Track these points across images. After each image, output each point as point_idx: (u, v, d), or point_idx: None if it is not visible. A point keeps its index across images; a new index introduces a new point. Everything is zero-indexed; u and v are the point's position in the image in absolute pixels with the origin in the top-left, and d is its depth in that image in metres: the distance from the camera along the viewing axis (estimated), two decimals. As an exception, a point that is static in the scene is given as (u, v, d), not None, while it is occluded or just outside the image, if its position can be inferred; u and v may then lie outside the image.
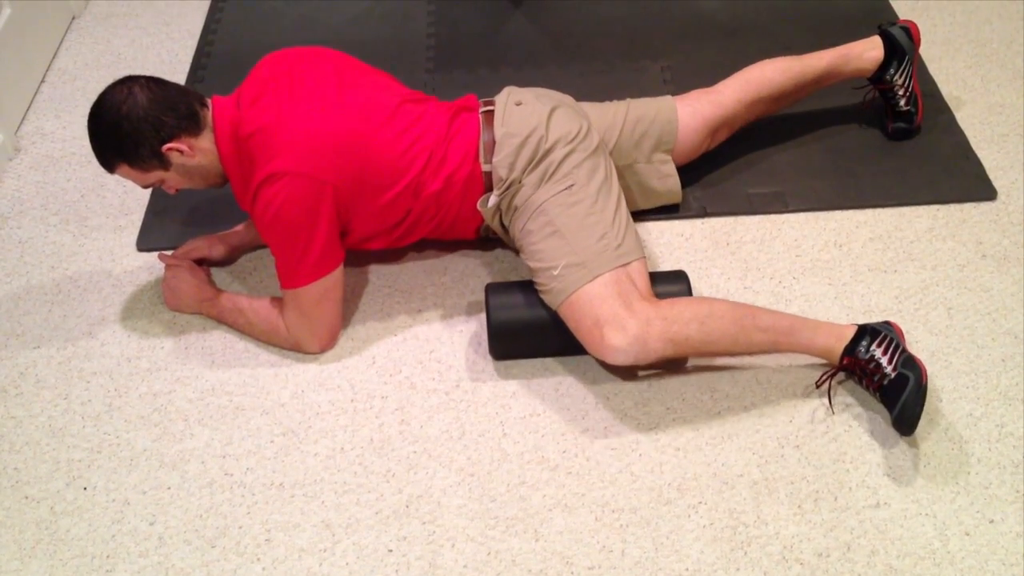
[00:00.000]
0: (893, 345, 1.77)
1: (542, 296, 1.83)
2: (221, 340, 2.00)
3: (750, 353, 1.84)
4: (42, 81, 2.67)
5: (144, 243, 2.21)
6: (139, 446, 1.83)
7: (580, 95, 2.57)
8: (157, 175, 1.83)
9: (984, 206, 2.18)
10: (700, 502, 1.69)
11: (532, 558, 1.64)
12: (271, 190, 1.76)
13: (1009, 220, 2.14)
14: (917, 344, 1.91)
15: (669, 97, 2.12)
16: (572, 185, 1.83)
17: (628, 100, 2.11)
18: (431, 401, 1.87)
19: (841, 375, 1.84)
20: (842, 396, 1.83)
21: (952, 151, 2.29)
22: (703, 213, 2.18)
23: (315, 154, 1.78)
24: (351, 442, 1.82)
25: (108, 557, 1.68)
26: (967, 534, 1.63)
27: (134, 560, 1.67)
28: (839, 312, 1.97)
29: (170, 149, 1.78)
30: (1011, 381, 1.84)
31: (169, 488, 1.77)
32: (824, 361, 1.85)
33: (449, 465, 1.77)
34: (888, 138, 2.32)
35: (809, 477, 1.72)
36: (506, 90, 1.99)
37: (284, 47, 2.80)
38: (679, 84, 2.50)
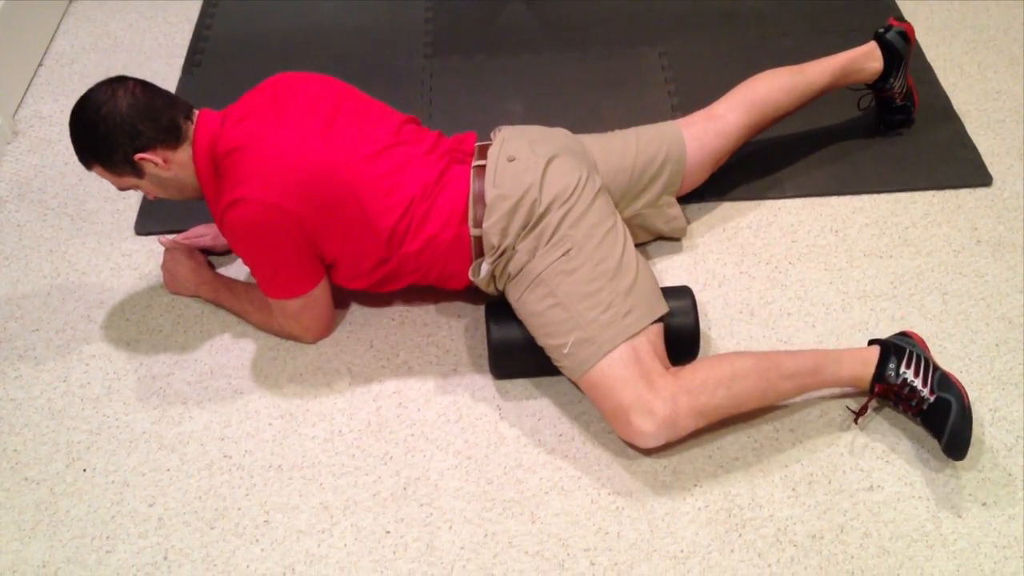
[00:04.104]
0: (923, 363, 1.71)
1: (557, 367, 1.75)
2: (220, 323, 2.01)
3: (780, 402, 1.78)
4: (40, 64, 2.67)
5: (142, 227, 2.21)
6: (138, 428, 1.84)
7: (578, 82, 2.57)
8: (131, 181, 1.78)
9: (980, 192, 2.18)
10: (695, 485, 1.71)
11: (529, 540, 1.65)
12: (233, 215, 1.72)
13: (1004, 206, 2.15)
14: (912, 329, 1.92)
15: (677, 129, 2.00)
16: (570, 249, 1.72)
17: (636, 133, 1.99)
18: (428, 385, 1.88)
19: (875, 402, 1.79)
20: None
21: (948, 137, 2.30)
22: (700, 198, 2.19)
23: (280, 182, 1.71)
24: (349, 425, 1.83)
25: (108, 538, 1.69)
26: (960, 517, 1.65)
27: (133, 541, 1.68)
28: (835, 297, 1.98)
29: (143, 159, 1.73)
30: (1004, 366, 1.86)
31: (168, 470, 1.78)
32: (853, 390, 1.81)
33: (446, 448, 1.78)
34: (884, 127, 2.31)
35: (803, 460, 1.73)
36: (499, 138, 1.86)
37: (281, 31, 2.80)
38: (677, 70, 2.51)
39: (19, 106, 2.54)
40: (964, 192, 2.18)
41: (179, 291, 2.05)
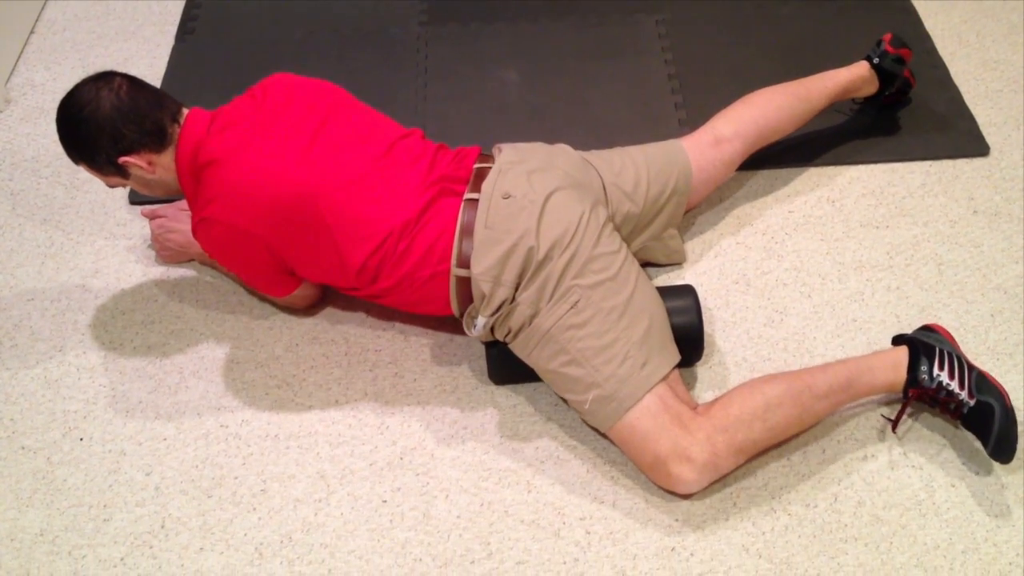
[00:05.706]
0: (956, 363, 1.66)
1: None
2: (215, 293, 2.00)
3: (817, 423, 1.72)
4: (31, 32, 2.64)
5: (136, 196, 2.20)
6: (134, 398, 1.84)
7: (574, 50, 2.54)
8: (116, 180, 1.76)
9: (977, 162, 2.18)
10: (690, 454, 1.71)
11: (524, 509, 1.66)
12: (202, 233, 1.72)
13: (1001, 176, 2.14)
14: (907, 300, 1.92)
15: (686, 157, 1.91)
16: (578, 301, 1.62)
17: (645, 159, 1.88)
18: (424, 354, 1.88)
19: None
20: (833, 352, 1.85)
21: (946, 107, 2.29)
22: (697, 168, 2.18)
23: (250, 205, 1.66)
24: (345, 395, 1.83)
25: (105, 506, 1.69)
26: (952, 486, 1.66)
27: (131, 510, 1.69)
28: (830, 268, 1.98)
29: (127, 162, 1.69)
30: (1000, 336, 1.86)
31: (165, 439, 1.78)
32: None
33: (442, 418, 1.79)
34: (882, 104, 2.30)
35: (798, 430, 1.74)
36: (496, 166, 1.73)
37: (272, 1, 2.75)
38: (674, 39, 2.49)
39: (11, 74, 2.52)
40: (961, 162, 2.18)
41: (173, 259, 2.04)
